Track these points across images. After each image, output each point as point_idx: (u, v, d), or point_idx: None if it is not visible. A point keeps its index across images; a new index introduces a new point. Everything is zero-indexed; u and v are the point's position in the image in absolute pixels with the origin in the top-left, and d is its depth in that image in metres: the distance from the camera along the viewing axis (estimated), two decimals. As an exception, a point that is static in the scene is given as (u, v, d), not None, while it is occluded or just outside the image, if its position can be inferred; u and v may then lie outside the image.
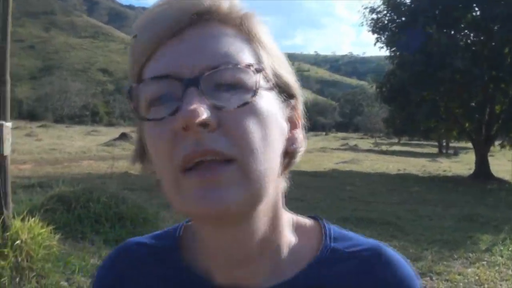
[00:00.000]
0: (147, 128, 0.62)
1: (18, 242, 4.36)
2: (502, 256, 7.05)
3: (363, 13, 21.82)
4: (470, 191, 16.12)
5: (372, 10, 21.59)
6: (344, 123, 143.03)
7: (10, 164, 4.56)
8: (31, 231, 4.61)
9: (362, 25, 22.11)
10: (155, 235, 0.82)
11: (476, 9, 19.65)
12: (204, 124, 0.56)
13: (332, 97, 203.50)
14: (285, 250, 0.72)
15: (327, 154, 34.21)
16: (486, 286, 5.72)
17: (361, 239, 0.77)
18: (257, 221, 0.65)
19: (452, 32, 19.60)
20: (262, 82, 0.62)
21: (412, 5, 20.51)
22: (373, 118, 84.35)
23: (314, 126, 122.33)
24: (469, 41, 20.97)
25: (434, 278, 5.90)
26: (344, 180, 17.21)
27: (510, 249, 7.46)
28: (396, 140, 72.58)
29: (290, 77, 0.69)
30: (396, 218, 9.59)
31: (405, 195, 14.12)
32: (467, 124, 21.86)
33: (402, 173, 22.49)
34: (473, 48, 20.32)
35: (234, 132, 0.58)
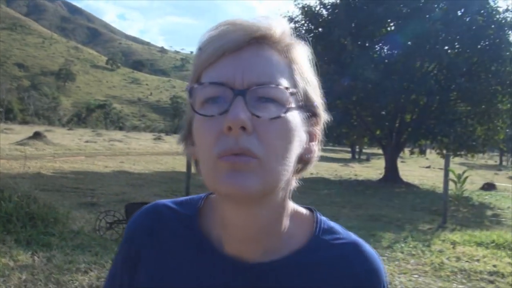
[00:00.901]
0: (197, 121, 0.78)
1: None
2: (402, 252, 7.34)
3: (281, 21, 22.14)
4: (378, 194, 16.77)
5: (291, 20, 21.80)
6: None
7: None
8: None
9: (281, 33, 22.46)
10: (179, 202, 0.96)
11: (391, 24, 20.48)
12: (243, 128, 0.71)
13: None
14: (283, 235, 0.86)
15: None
16: None
17: (346, 233, 0.92)
18: (267, 207, 0.80)
19: (367, 45, 20.19)
20: (294, 102, 0.77)
21: (329, 17, 21.02)
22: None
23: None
24: (382, 54, 21.74)
25: None
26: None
27: (411, 245, 7.78)
28: (312, 146, 74.07)
29: (317, 100, 0.84)
30: None
31: (314, 197, 14.20)
32: (378, 131, 22.83)
33: (314, 177, 22.72)
34: (386, 61, 21.08)
35: (264, 138, 0.73)
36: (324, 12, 21.59)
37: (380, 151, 27.47)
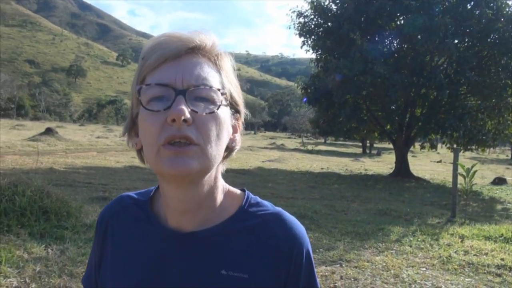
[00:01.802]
0: (144, 115, 0.93)
1: None
2: (411, 246, 7.38)
3: (291, 16, 21.98)
4: (387, 188, 16.77)
5: (300, 14, 21.76)
6: (272, 123, 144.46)
7: None
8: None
9: (290, 28, 22.28)
10: (139, 192, 1.19)
11: (401, 18, 20.39)
12: (185, 120, 0.88)
13: (261, 96, 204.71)
14: (216, 208, 1.05)
15: (254, 152, 34.57)
16: (392, 271, 5.98)
17: (271, 207, 1.10)
18: (202, 186, 0.98)
19: (376, 39, 20.07)
20: (223, 101, 0.96)
21: (338, 11, 20.89)
22: (300, 119, 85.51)
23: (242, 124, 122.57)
24: (392, 48, 21.68)
25: (344, 265, 6.13)
26: (268, 178, 17.42)
27: (419, 239, 7.81)
28: (322, 140, 74.01)
29: (239, 99, 1.05)
30: (312, 212, 9.73)
31: (324, 191, 14.33)
32: (388, 126, 22.80)
33: (324, 172, 22.89)
34: (396, 55, 21.06)
35: (201, 128, 0.91)
36: (333, 6, 21.48)
37: (391, 146, 27.44)
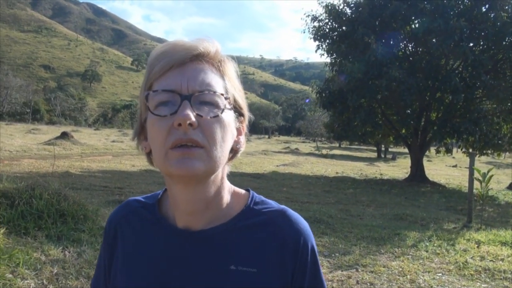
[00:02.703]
0: (151, 120, 0.97)
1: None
2: (427, 251, 7.32)
3: (305, 20, 22.06)
4: (403, 193, 16.70)
5: (314, 18, 21.83)
6: (287, 127, 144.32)
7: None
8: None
9: (304, 32, 22.43)
10: (146, 196, 1.23)
11: (415, 21, 20.30)
12: (190, 124, 0.92)
13: (275, 101, 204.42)
14: (223, 207, 1.09)
15: (269, 156, 34.64)
16: (408, 277, 5.94)
17: (274, 204, 1.14)
18: (209, 186, 1.02)
19: (391, 43, 20.05)
20: (227, 105, 1.00)
21: (353, 15, 20.89)
22: (314, 123, 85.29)
23: (257, 129, 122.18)
24: (407, 51, 21.68)
25: (360, 270, 6.10)
26: (282, 182, 17.41)
27: (435, 244, 7.75)
28: (337, 145, 73.77)
29: (243, 103, 1.08)
30: (328, 217, 9.71)
31: (340, 196, 14.33)
32: (403, 130, 22.70)
33: (339, 176, 22.88)
34: (411, 58, 21.04)
35: (207, 132, 0.94)
36: (348, 10, 21.47)
37: (406, 150, 27.32)
